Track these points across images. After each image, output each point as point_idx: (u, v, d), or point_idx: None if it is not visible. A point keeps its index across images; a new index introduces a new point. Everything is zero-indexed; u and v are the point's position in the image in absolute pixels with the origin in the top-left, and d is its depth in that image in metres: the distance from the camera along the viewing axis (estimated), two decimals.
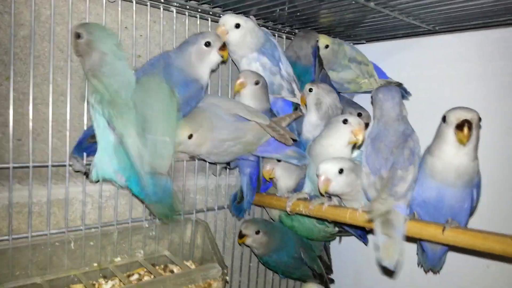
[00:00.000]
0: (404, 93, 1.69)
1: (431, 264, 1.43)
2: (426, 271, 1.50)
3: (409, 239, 1.23)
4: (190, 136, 1.23)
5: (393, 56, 1.76)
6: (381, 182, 1.20)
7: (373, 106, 1.31)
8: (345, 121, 1.36)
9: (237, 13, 1.45)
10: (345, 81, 1.70)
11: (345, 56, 1.66)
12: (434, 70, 1.63)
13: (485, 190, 1.24)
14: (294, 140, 1.35)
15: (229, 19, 1.37)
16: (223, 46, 1.28)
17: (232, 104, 1.35)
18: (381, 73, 1.73)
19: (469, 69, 1.53)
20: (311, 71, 1.60)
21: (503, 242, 1.05)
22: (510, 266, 1.40)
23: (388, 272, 1.68)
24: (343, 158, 1.32)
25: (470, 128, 1.09)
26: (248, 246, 1.61)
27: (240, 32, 1.38)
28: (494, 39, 1.47)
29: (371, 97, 1.32)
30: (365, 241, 1.72)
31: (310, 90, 1.49)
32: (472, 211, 1.23)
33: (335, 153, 1.35)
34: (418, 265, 1.50)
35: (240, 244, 1.65)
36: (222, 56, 1.28)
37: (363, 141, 1.34)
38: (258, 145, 1.38)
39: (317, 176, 1.30)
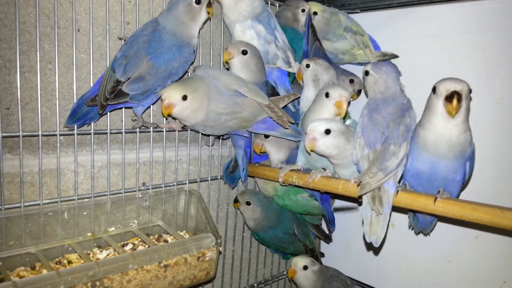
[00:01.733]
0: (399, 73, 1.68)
1: (421, 227, 1.46)
2: (416, 233, 1.53)
3: (401, 209, 1.24)
4: (185, 97, 1.21)
5: (387, 26, 1.73)
6: (373, 155, 1.21)
7: (371, 80, 1.29)
8: (327, 95, 1.36)
9: None
10: (340, 52, 1.68)
11: (339, 26, 1.64)
12: (428, 41, 1.60)
13: (476, 162, 1.24)
14: (291, 123, 1.35)
15: None
16: (210, 3, 1.26)
17: (232, 78, 1.33)
18: (375, 45, 1.71)
19: (462, 41, 1.51)
20: (302, 38, 1.58)
21: (491, 213, 1.06)
22: (498, 237, 1.42)
23: (372, 247, 1.71)
24: (334, 120, 1.32)
25: (459, 100, 1.09)
26: (241, 214, 1.63)
27: None
28: (487, 10, 1.45)
29: (366, 71, 1.30)
30: (332, 227, 1.74)
31: (307, 66, 1.47)
32: (465, 183, 1.24)
33: None
34: (409, 228, 1.53)
35: (235, 208, 1.67)
36: (208, 13, 1.26)
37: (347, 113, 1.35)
38: (254, 122, 1.37)
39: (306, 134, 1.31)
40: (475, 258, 1.50)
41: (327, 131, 1.28)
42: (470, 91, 1.11)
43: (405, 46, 1.67)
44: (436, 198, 1.15)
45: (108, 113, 1.26)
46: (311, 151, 1.32)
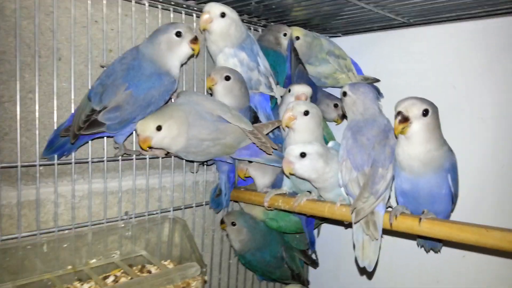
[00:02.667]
0: (377, 94, 1.70)
1: (431, 245, 1.45)
2: (427, 251, 1.51)
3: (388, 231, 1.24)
4: (159, 128, 1.20)
5: (369, 49, 1.76)
6: (364, 179, 1.20)
7: (350, 100, 1.30)
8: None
9: None
10: (323, 76, 1.70)
11: (321, 50, 1.66)
12: (409, 62, 1.64)
13: (460, 180, 1.25)
14: (274, 149, 1.35)
15: (214, 7, 1.34)
16: (195, 39, 1.24)
17: (216, 104, 1.33)
18: (357, 68, 1.74)
19: (443, 61, 1.55)
20: (284, 61, 1.60)
21: (478, 232, 1.07)
22: (485, 256, 1.42)
23: (365, 272, 1.69)
24: (312, 143, 1.32)
25: (402, 120, 1.10)
26: (227, 237, 1.61)
27: (225, 21, 1.36)
28: (467, 31, 1.49)
29: (343, 92, 1.31)
30: (312, 249, 1.73)
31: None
32: (454, 197, 1.23)
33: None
34: (419, 246, 1.52)
35: (221, 234, 1.64)
36: (193, 49, 1.25)
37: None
38: (237, 148, 1.36)
39: None
40: (463, 278, 1.50)
41: (303, 154, 1.28)
42: (425, 110, 1.10)
43: (386, 68, 1.70)
44: (420, 219, 1.15)
45: (90, 141, 1.24)
46: (291, 174, 1.31)
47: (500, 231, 1.04)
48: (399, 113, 1.11)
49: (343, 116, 1.72)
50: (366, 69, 1.76)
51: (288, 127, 1.36)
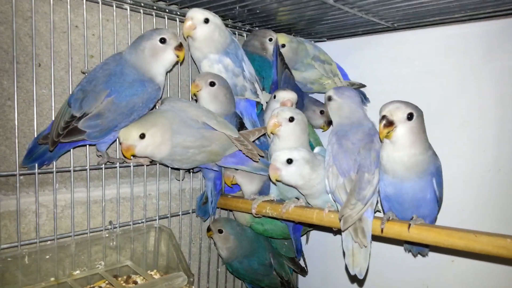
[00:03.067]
0: (363, 99, 1.70)
1: (418, 250, 1.44)
2: (415, 256, 1.51)
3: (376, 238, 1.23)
4: (142, 136, 1.18)
5: (353, 54, 1.77)
6: (350, 184, 1.19)
7: (335, 105, 1.29)
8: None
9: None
10: (309, 81, 1.69)
11: (307, 55, 1.65)
12: (394, 67, 1.64)
13: (444, 184, 1.24)
14: (261, 156, 1.33)
15: (197, 13, 1.32)
16: (180, 46, 1.22)
17: (201, 111, 1.30)
18: (343, 73, 1.74)
19: (427, 65, 1.55)
20: (270, 66, 1.59)
21: (466, 237, 1.06)
22: (473, 261, 1.42)
23: (356, 279, 1.69)
24: (298, 149, 1.30)
25: (387, 124, 1.09)
26: (215, 245, 1.58)
27: (209, 27, 1.34)
28: (451, 35, 1.50)
29: (328, 96, 1.30)
30: (298, 257, 1.72)
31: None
32: (439, 201, 1.22)
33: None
34: (406, 251, 1.51)
35: (209, 242, 1.62)
36: (177, 56, 1.22)
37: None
38: (223, 156, 1.35)
39: None
40: (452, 282, 1.49)
41: (289, 161, 1.27)
42: (411, 114, 1.09)
43: (371, 72, 1.70)
44: (409, 225, 1.14)
45: (71, 149, 1.21)
46: (277, 181, 1.30)
47: (488, 236, 1.04)
48: (383, 117, 1.11)
49: (329, 123, 1.72)
50: (351, 74, 1.76)
51: (273, 133, 1.35)
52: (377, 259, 1.61)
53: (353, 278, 1.72)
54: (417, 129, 1.12)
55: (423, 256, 1.49)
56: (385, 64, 1.67)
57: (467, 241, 1.06)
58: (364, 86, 1.70)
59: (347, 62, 1.76)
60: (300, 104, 1.58)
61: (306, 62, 1.65)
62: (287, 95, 1.46)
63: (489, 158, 1.42)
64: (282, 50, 1.62)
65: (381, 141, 1.15)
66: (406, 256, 1.56)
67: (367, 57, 1.72)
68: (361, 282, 1.72)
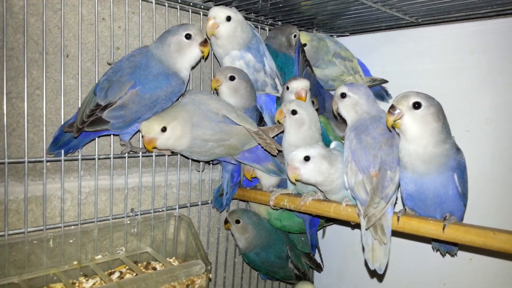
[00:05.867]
0: (386, 95, 1.69)
1: (446, 248, 1.42)
2: (443, 255, 1.49)
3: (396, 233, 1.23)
4: (164, 129, 1.20)
5: (376, 49, 1.75)
6: (370, 181, 1.18)
7: (350, 102, 1.28)
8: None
9: (218, 4, 1.42)
10: (330, 78, 1.69)
11: (328, 52, 1.65)
12: (417, 62, 1.63)
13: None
14: (279, 151, 1.34)
15: (219, 12, 1.33)
16: (205, 42, 1.23)
17: (221, 104, 1.32)
18: (364, 69, 1.73)
19: (450, 62, 1.53)
20: (293, 63, 1.59)
21: (484, 235, 1.06)
22: (492, 259, 1.41)
23: (376, 274, 1.68)
24: (313, 146, 1.31)
25: (392, 112, 1.10)
26: (233, 236, 1.60)
27: (231, 25, 1.35)
28: (475, 31, 1.48)
29: (342, 94, 1.28)
30: (313, 252, 1.72)
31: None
32: (463, 198, 1.19)
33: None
34: (434, 250, 1.49)
35: (226, 232, 1.64)
36: (202, 52, 1.24)
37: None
38: (241, 151, 1.36)
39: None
40: (470, 280, 1.48)
41: (307, 158, 1.27)
42: (418, 103, 1.08)
43: (393, 68, 1.69)
44: (444, 226, 1.12)
45: (96, 138, 1.25)
46: (296, 180, 1.31)
47: (507, 233, 1.03)
48: (392, 105, 1.11)
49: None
50: (373, 69, 1.75)
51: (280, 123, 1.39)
52: (397, 255, 1.61)
53: (372, 273, 1.72)
54: (427, 120, 1.10)
55: (452, 255, 1.47)
56: (408, 60, 1.65)
57: (485, 239, 1.05)
58: (386, 81, 1.69)
59: (369, 57, 1.75)
60: (321, 102, 1.58)
61: (327, 59, 1.65)
62: (300, 84, 1.44)
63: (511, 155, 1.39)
64: (305, 49, 1.62)
65: (389, 129, 1.15)
66: (425, 252, 1.56)
67: (390, 52, 1.71)
68: (380, 277, 1.72)
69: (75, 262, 1.21)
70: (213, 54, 1.51)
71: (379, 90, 1.71)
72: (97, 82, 1.21)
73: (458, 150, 1.16)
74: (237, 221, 1.55)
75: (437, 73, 1.57)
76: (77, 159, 1.22)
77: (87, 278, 1.20)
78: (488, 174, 1.43)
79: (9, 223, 1.12)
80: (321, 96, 1.56)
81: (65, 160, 1.19)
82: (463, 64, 1.50)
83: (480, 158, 1.43)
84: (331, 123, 1.58)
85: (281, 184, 1.53)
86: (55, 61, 1.18)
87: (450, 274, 1.53)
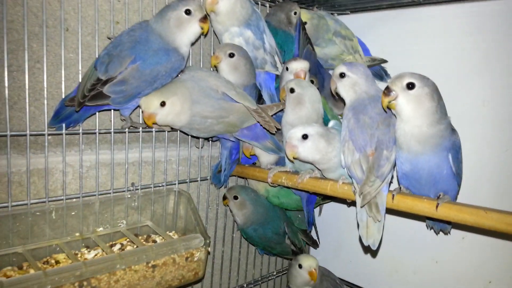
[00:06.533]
0: (385, 74, 1.69)
1: (440, 227, 1.46)
2: (437, 233, 1.53)
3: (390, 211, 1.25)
4: (163, 104, 1.21)
5: (377, 28, 1.75)
6: (366, 161, 1.21)
7: (349, 81, 1.28)
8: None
9: None
10: (329, 57, 1.68)
11: (328, 30, 1.64)
12: (416, 42, 1.62)
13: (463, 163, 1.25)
14: (277, 129, 1.35)
15: None
16: (204, 18, 1.23)
17: (221, 81, 1.33)
18: (364, 49, 1.72)
19: (450, 43, 1.53)
20: (293, 41, 1.58)
21: (476, 214, 1.08)
22: (484, 237, 1.44)
23: (370, 250, 1.73)
24: (312, 125, 1.32)
25: (386, 93, 1.12)
26: (231, 212, 1.63)
27: (230, 1, 1.35)
28: (476, 12, 1.47)
29: (341, 73, 1.29)
30: (310, 229, 1.75)
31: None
32: (457, 177, 1.22)
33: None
34: (428, 228, 1.53)
35: (225, 208, 1.67)
36: (202, 28, 1.24)
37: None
38: (240, 128, 1.37)
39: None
40: (462, 258, 1.52)
41: (305, 136, 1.29)
42: (411, 84, 1.10)
43: (394, 48, 1.69)
44: (438, 204, 1.14)
45: (97, 113, 1.25)
46: (294, 158, 1.32)
47: (498, 213, 1.05)
48: (386, 86, 1.13)
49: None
50: (373, 49, 1.74)
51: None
52: (391, 232, 1.65)
53: (366, 249, 1.76)
54: (421, 100, 1.11)
55: (445, 233, 1.51)
56: (408, 40, 1.65)
57: (477, 217, 1.07)
58: (385, 61, 1.69)
59: (369, 36, 1.75)
60: (321, 81, 1.58)
61: (327, 38, 1.64)
62: (299, 65, 1.44)
63: (507, 138, 1.41)
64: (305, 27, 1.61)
65: (384, 110, 1.17)
66: (419, 231, 1.59)
67: (390, 32, 1.70)
68: (374, 253, 1.76)
69: (77, 234, 1.23)
70: (213, 30, 1.51)
71: (378, 70, 1.71)
72: (97, 56, 1.21)
73: (453, 130, 1.18)
74: (235, 197, 1.58)
75: (436, 53, 1.56)
76: (78, 133, 1.24)
77: (89, 250, 1.22)
78: (482, 155, 1.45)
79: (12, 195, 1.14)
80: (320, 75, 1.56)
81: (66, 134, 1.20)
82: (462, 45, 1.50)
83: (475, 139, 1.44)
84: (329, 102, 1.59)
85: (280, 162, 1.55)
86: (55, 35, 1.18)
87: (443, 252, 1.56)
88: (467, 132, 1.34)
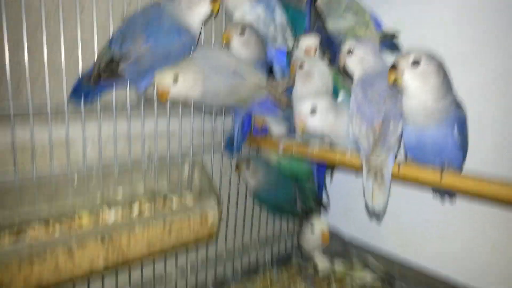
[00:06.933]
0: (396, 49, 1.66)
1: (445, 196, 1.49)
2: (442, 203, 1.57)
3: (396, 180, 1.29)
4: (176, 79, 1.26)
5: (389, 2, 1.71)
6: (373, 133, 1.24)
7: (356, 59, 1.31)
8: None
9: None
10: (341, 33, 1.66)
11: (339, 5, 1.60)
12: (430, 16, 1.59)
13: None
14: (288, 104, 1.38)
15: None
16: None
17: (232, 58, 1.36)
18: (377, 23, 1.69)
19: (466, 12, 1.50)
20: (304, 16, 1.58)
21: (479, 183, 1.11)
22: (487, 207, 1.46)
23: (375, 216, 1.78)
24: (321, 99, 1.35)
25: (391, 69, 1.12)
26: (244, 180, 1.70)
27: None
28: None
29: (348, 50, 1.31)
30: (320, 195, 1.80)
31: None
32: (462, 150, 1.24)
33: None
34: (434, 196, 1.56)
35: (238, 177, 1.73)
36: (212, 8, 1.26)
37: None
38: (251, 103, 1.41)
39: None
40: (466, 226, 1.55)
41: (313, 110, 1.32)
42: (416, 61, 1.11)
43: (406, 21, 1.66)
44: (441, 174, 1.18)
45: (113, 88, 1.31)
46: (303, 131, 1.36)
47: (502, 182, 1.08)
48: (392, 64, 1.14)
49: None
50: (387, 20, 1.71)
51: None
52: (396, 201, 1.69)
53: (371, 216, 1.81)
54: (426, 76, 1.13)
55: (450, 203, 1.54)
56: (421, 13, 1.61)
57: (481, 187, 1.11)
58: (396, 37, 1.66)
59: (382, 10, 1.71)
60: (332, 55, 1.58)
61: (338, 13, 1.62)
62: (309, 42, 1.46)
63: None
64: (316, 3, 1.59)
65: (389, 85, 1.18)
66: (424, 201, 1.62)
67: (404, 5, 1.67)
68: (379, 220, 1.82)
69: (98, 197, 1.34)
70: (224, 8, 1.52)
71: (389, 44, 1.69)
72: (111, 36, 1.25)
73: (458, 105, 1.19)
74: (248, 165, 1.64)
75: (450, 26, 1.53)
76: (96, 108, 1.30)
77: (110, 209, 1.32)
78: (486, 121, 1.45)
79: (36, 167, 1.23)
80: (332, 50, 1.56)
81: (85, 108, 1.27)
82: (479, 14, 1.46)
83: (477, 102, 1.43)
84: (340, 76, 1.60)
85: (290, 133, 1.59)
86: (71, 15, 1.22)
87: (447, 222, 1.60)
88: (478, 102, 1.33)
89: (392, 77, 1.14)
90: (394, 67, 1.14)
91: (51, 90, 1.22)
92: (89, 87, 1.22)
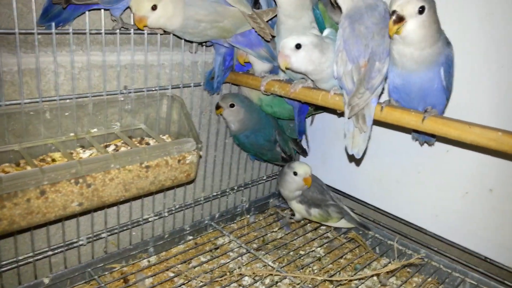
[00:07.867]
0: None
1: (424, 139, 1.50)
2: (421, 145, 1.58)
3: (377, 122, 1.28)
4: (154, 7, 1.18)
5: None
6: (358, 72, 1.20)
7: None
8: None
9: None
10: None
11: None
12: None
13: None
14: (272, 36, 1.31)
15: None
16: None
17: None
18: None
19: None
20: None
21: (460, 128, 1.11)
22: (467, 151, 1.49)
23: (354, 159, 1.79)
24: (305, 34, 1.30)
25: (397, 20, 1.07)
26: (224, 120, 1.66)
27: None
28: None
29: None
30: (300, 138, 1.79)
31: None
32: (447, 91, 1.23)
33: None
34: (413, 140, 1.58)
35: (218, 115, 1.69)
36: None
37: None
38: (234, 33, 1.34)
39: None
40: (443, 170, 1.58)
41: (298, 46, 1.26)
42: (422, 7, 1.06)
43: None
44: (424, 117, 1.16)
45: (87, 12, 1.21)
46: (286, 68, 1.31)
47: (481, 127, 1.08)
48: (393, 12, 1.07)
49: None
50: None
51: None
52: (376, 143, 1.70)
53: (350, 158, 1.83)
54: (428, 22, 1.09)
55: (429, 145, 1.56)
56: None
57: (461, 132, 1.11)
58: None
59: None
60: None
61: None
62: None
63: (506, 54, 1.39)
64: None
65: (390, 37, 1.14)
66: (404, 142, 1.64)
67: None
68: (358, 162, 1.84)
69: (72, 134, 1.27)
70: None
71: None
72: None
73: (447, 43, 1.17)
74: (231, 105, 1.59)
75: None
76: (68, 33, 1.21)
77: (84, 149, 1.26)
78: (479, 70, 1.44)
79: (5, 94, 1.15)
80: None
81: (56, 33, 1.18)
82: None
83: (471, 54, 1.42)
84: (328, 10, 1.53)
85: (273, 70, 1.54)
86: None
87: (426, 164, 1.63)
88: (464, 47, 1.32)
89: (395, 28, 1.08)
90: (397, 15, 1.08)
91: (18, 11, 1.11)
92: (60, 9, 1.13)
